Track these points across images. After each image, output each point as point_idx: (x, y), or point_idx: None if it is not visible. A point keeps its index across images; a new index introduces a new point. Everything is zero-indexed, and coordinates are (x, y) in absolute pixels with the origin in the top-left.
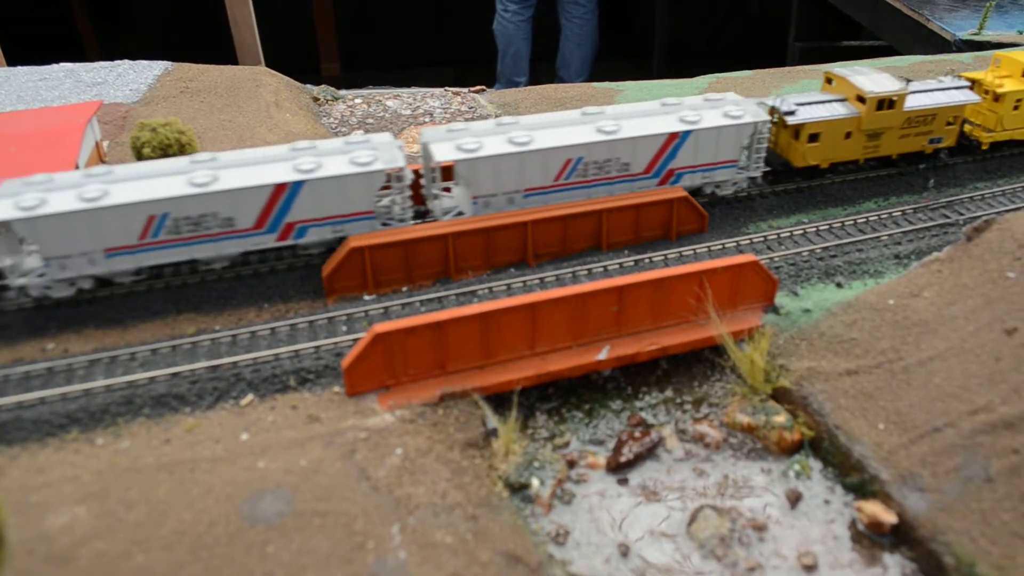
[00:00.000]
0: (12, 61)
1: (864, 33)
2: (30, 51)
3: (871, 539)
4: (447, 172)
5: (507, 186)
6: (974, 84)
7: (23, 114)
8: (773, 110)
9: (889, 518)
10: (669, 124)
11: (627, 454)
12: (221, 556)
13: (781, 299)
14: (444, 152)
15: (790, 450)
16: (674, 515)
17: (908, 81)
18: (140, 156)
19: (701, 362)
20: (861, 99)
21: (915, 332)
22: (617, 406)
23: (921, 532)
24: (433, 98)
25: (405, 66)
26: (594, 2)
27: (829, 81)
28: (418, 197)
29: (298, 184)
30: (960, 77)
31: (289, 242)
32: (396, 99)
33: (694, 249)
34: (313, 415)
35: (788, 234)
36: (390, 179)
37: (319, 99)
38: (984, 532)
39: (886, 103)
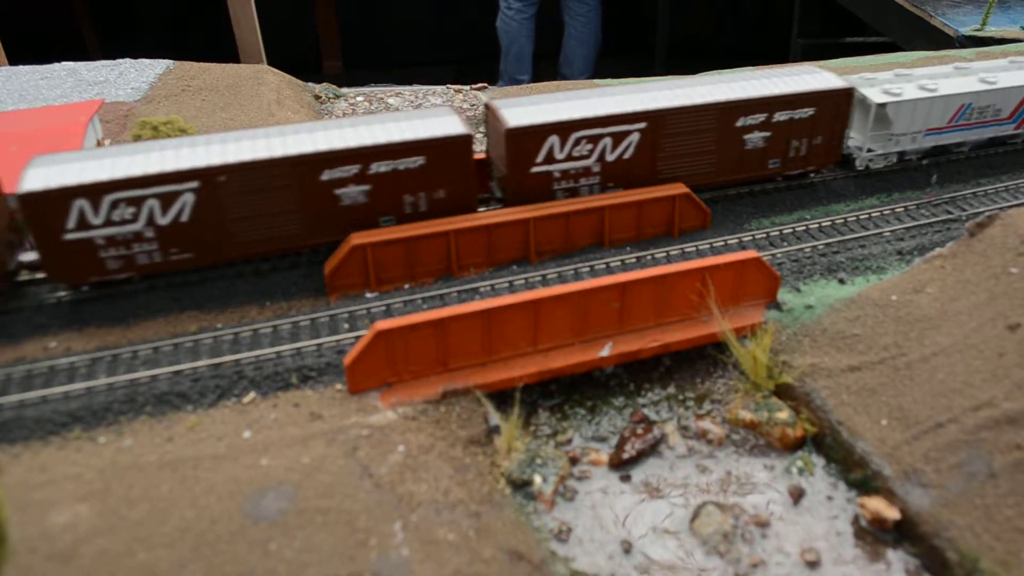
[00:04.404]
0: (14, 60)
1: (867, 29)
2: (32, 50)
3: (874, 535)
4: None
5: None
6: None
7: (25, 113)
8: None
9: (892, 514)
10: None
11: (630, 451)
12: (224, 553)
13: (783, 295)
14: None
15: (793, 446)
16: (677, 512)
17: None
18: None
19: (704, 358)
20: None
21: (918, 328)
22: (620, 403)
23: (924, 528)
24: (435, 95)
25: (407, 64)
26: (598, 0)
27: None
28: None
29: None
30: None
31: (1021, 131)
32: (398, 97)
33: (696, 246)
34: (315, 413)
35: (790, 230)
36: None
37: (321, 97)
38: (988, 528)
39: None
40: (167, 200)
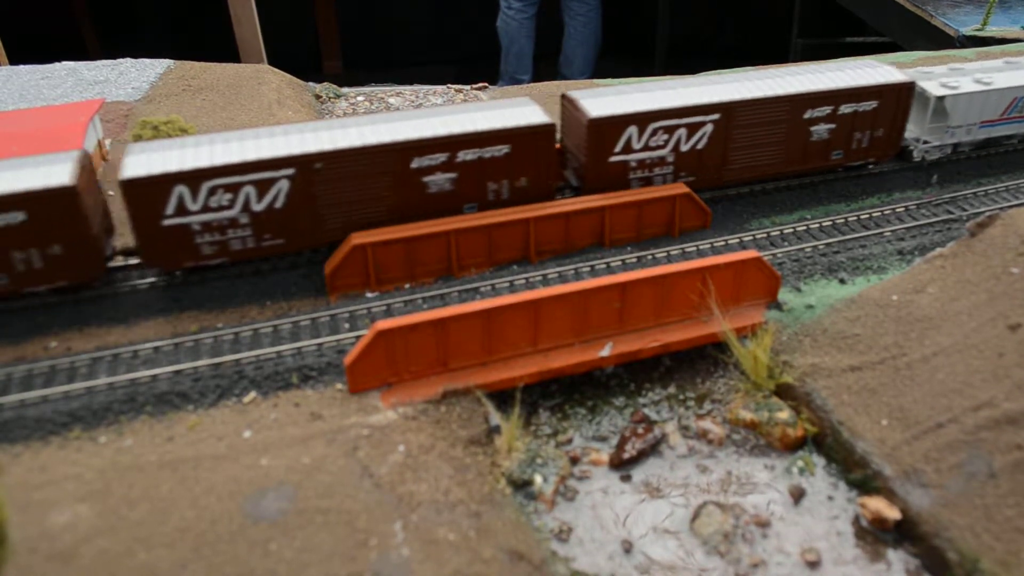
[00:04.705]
0: (14, 59)
1: (867, 29)
2: (32, 50)
3: (875, 535)
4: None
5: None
6: None
7: (25, 113)
8: None
9: (892, 514)
10: None
11: (630, 451)
12: (224, 554)
13: (784, 295)
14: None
15: (793, 446)
16: (677, 512)
17: None
18: None
19: (704, 358)
20: None
21: (918, 328)
22: (620, 403)
23: (925, 528)
24: (435, 95)
25: (407, 64)
26: (598, 0)
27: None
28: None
29: None
30: None
31: None
32: (398, 96)
33: (697, 245)
34: (316, 412)
35: (791, 230)
36: None
37: (321, 97)
38: (988, 528)
39: None
40: (263, 187)
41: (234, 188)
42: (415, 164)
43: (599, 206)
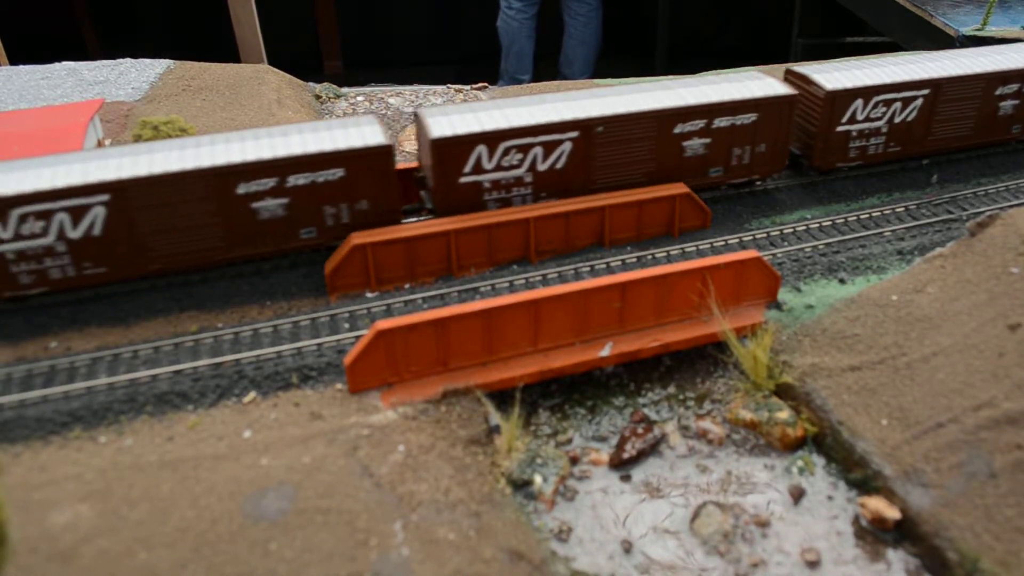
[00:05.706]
0: (14, 60)
1: (867, 29)
2: (32, 50)
3: (875, 535)
4: None
5: None
6: None
7: (25, 113)
8: None
9: (892, 514)
10: None
11: (630, 451)
12: (224, 553)
13: (784, 295)
14: None
15: (793, 446)
16: (677, 511)
17: None
18: None
19: (704, 358)
20: None
21: (918, 328)
22: (620, 403)
23: (925, 528)
24: (435, 95)
25: (407, 64)
26: (598, 0)
27: None
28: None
29: None
30: None
31: None
32: (398, 96)
33: (697, 245)
34: (316, 412)
35: (791, 230)
36: None
37: (321, 97)
38: (988, 528)
39: None
40: (550, 147)
41: (525, 149)
42: (677, 129)
43: (599, 206)
